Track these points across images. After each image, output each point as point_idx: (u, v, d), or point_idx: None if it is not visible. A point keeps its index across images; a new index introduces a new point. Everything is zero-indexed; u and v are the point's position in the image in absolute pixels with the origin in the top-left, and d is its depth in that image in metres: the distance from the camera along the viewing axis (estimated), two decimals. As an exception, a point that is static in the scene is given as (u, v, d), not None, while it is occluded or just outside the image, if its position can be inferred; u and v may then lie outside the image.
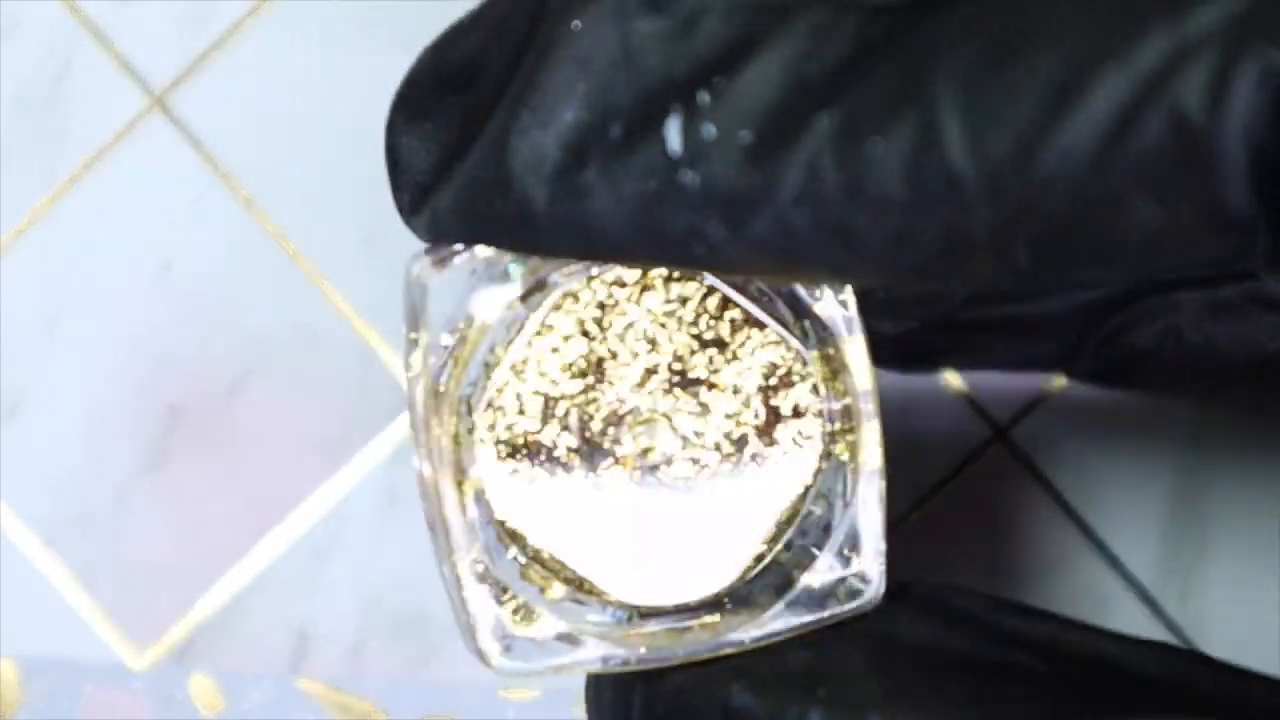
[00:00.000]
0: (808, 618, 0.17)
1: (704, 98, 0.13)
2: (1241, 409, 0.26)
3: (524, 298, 0.17)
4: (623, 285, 0.17)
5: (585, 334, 0.17)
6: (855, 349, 0.17)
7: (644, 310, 0.17)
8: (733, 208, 0.13)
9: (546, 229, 0.14)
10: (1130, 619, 0.29)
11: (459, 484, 0.17)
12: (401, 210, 0.16)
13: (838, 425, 0.17)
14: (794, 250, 0.14)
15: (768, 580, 0.17)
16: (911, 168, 0.13)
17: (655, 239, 0.14)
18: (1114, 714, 0.15)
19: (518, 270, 0.16)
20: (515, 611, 0.17)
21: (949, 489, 0.29)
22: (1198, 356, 0.21)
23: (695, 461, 0.17)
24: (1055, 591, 0.29)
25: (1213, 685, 0.17)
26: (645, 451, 0.17)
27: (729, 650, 0.17)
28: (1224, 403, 0.26)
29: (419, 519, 0.31)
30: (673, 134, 0.13)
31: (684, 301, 0.17)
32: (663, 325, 0.17)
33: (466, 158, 0.15)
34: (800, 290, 0.16)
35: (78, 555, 0.30)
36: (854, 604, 0.17)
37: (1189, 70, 0.11)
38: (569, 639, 0.17)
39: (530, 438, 0.17)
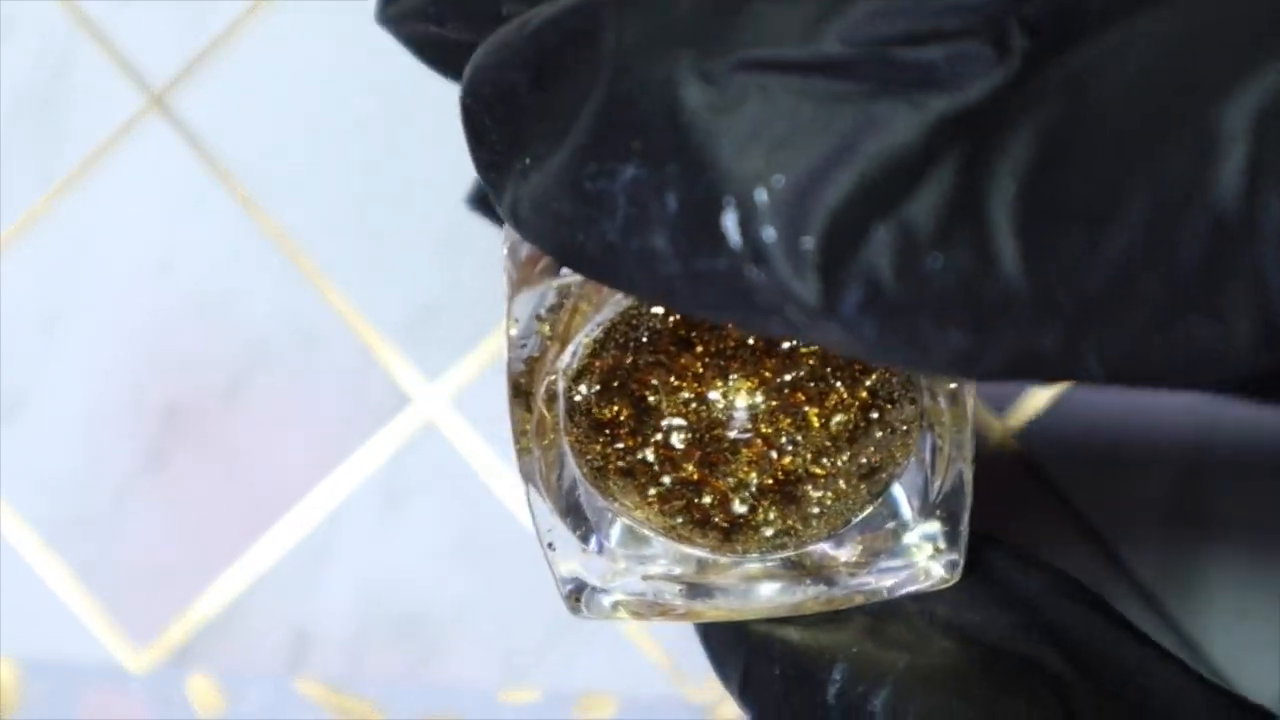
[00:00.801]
0: (883, 584, 0.17)
1: (761, 196, 0.13)
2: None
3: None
4: None
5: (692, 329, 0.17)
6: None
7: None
8: (802, 307, 0.13)
9: (630, 280, 0.14)
10: (1132, 619, 0.29)
11: (551, 439, 0.17)
12: (485, 178, 0.16)
13: (929, 417, 0.17)
14: (866, 351, 0.14)
15: (861, 557, 0.17)
16: (972, 286, 0.12)
17: (737, 311, 0.14)
18: None
19: None
20: (609, 568, 0.17)
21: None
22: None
23: (792, 442, 0.17)
24: (1056, 592, 0.29)
25: None
26: (735, 421, 0.17)
27: (815, 608, 0.17)
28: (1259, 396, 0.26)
29: (419, 519, 0.31)
30: (730, 228, 0.13)
31: None
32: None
33: (541, 163, 0.15)
34: None
35: (77, 555, 0.30)
36: (928, 583, 0.17)
37: (1222, 171, 0.11)
38: (642, 545, 0.17)
39: (623, 410, 0.17)
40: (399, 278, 0.30)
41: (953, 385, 0.17)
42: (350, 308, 0.30)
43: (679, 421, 0.17)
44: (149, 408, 0.30)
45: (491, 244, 0.30)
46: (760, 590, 0.18)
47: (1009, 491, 0.30)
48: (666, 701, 0.30)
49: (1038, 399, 0.29)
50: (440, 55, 0.17)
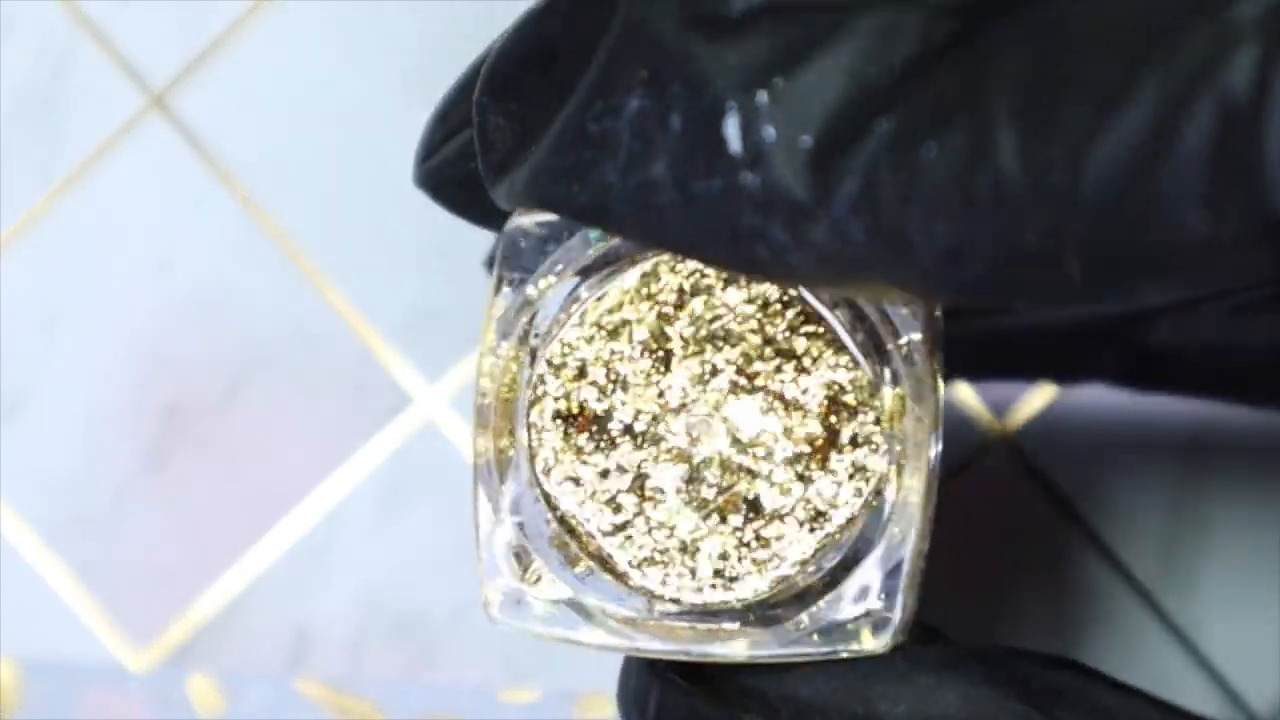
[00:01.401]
0: (824, 648, 0.17)
1: (763, 98, 0.13)
2: (1268, 405, 0.26)
3: (602, 266, 0.17)
4: (705, 274, 0.17)
5: (660, 315, 0.17)
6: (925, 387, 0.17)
7: (723, 303, 0.17)
8: (792, 214, 0.13)
9: (620, 218, 0.15)
10: (1130, 619, 0.29)
11: (509, 431, 0.17)
12: (488, 185, 0.16)
13: (895, 464, 0.17)
14: (850, 260, 0.14)
15: (794, 603, 0.17)
16: (963, 173, 0.12)
17: (722, 238, 0.14)
18: None
19: (597, 239, 0.17)
20: (529, 573, 0.17)
21: (950, 490, 0.29)
22: (1220, 356, 0.21)
23: (743, 468, 0.17)
24: (1055, 591, 0.29)
25: None
26: (693, 441, 0.17)
27: (740, 660, 0.17)
28: (1248, 400, 0.26)
29: (419, 519, 0.31)
30: (731, 133, 0.13)
31: (765, 304, 0.17)
32: (739, 322, 0.17)
33: (542, 139, 0.15)
34: (881, 327, 0.16)
35: (77, 555, 0.30)
36: (876, 643, 0.17)
37: (1233, 61, 0.11)
38: (579, 609, 0.17)
39: (585, 406, 0.17)
40: (399, 278, 0.30)
41: (921, 459, 0.17)
42: (350, 308, 0.30)
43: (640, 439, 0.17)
44: (149, 408, 0.30)
45: (491, 244, 0.30)
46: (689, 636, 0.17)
47: (1009, 492, 0.30)
48: (666, 701, 0.30)
49: (1038, 399, 0.29)
50: (479, 209, 0.18)
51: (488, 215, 0.17)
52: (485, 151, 0.16)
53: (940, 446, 0.17)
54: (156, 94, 0.30)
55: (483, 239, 0.31)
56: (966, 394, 0.30)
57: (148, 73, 0.30)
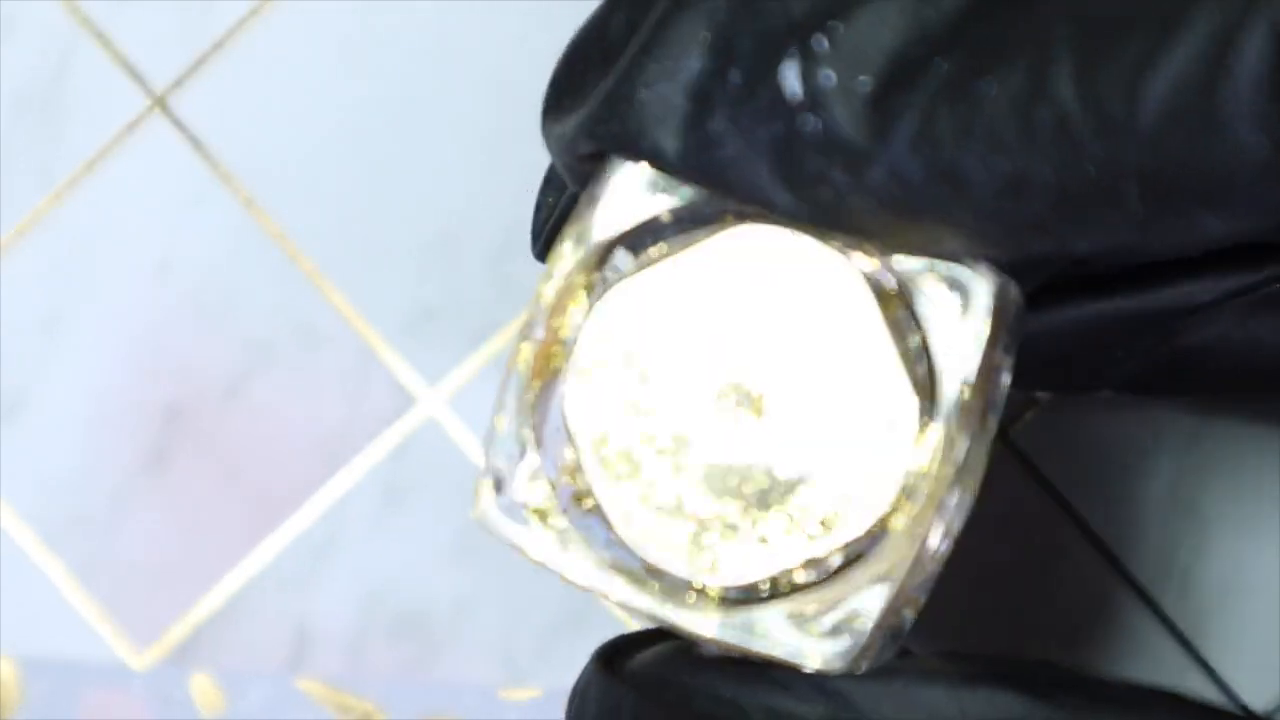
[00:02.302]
0: (792, 656, 0.17)
1: (821, 43, 0.13)
2: None
3: (689, 225, 0.17)
4: (782, 255, 0.16)
5: (731, 287, 0.17)
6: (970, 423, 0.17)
7: (792, 290, 0.17)
8: (853, 155, 0.13)
9: (682, 177, 0.15)
10: (1129, 618, 0.29)
11: (553, 351, 0.17)
12: (552, 152, 0.16)
13: (910, 500, 0.17)
14: (909, 200, 0.14)
15: (773, 602, 0.17)
16: (1022, 106, 0.13)
17: (786, 182, 0.14)
18: None
19: (687, 193, 0.16)
20: (532, 477, 0.17)
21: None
22: (1245, 354, 0.21)
23: (764, 460, 0.17)
24: (1054, 591, 0.29)
25: None
26: (727, 418, 0.17)
27: (707, 636, 0.17)
28: (1275, 395, 0.26)
29: (419, 518, 0.31)
30: (791, 79, 0.14)
31: (833, 303, 0.16)
32: (805, 313, 0.17)
33: (596, 111, 0.15)
34: (943, 357, 0.16)
35: (77, 555, 0.30)
36: (831, 661, 0.17)
37: None
38: (567, 541, 0.17)
39: (638, 355, 0.17)
40: (400, 278, 0.30)
41: (941, 503, 0.17)
42: (351, 308, 0.30)
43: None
44: (149, 408, 0.30)
45: (493, 244, 0.30)
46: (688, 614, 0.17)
47: (1009, 492, 0.30)
48: (666, 701, 0.30)
49: (1032, 398, 0.29)
50: None
51: None
52: (552, 144, 0.16)
53: (964, 509, 0.17)
54: (158, 95, 0.31)
55: (483, 239, 0.31)
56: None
57: (149, 74, 0.31)
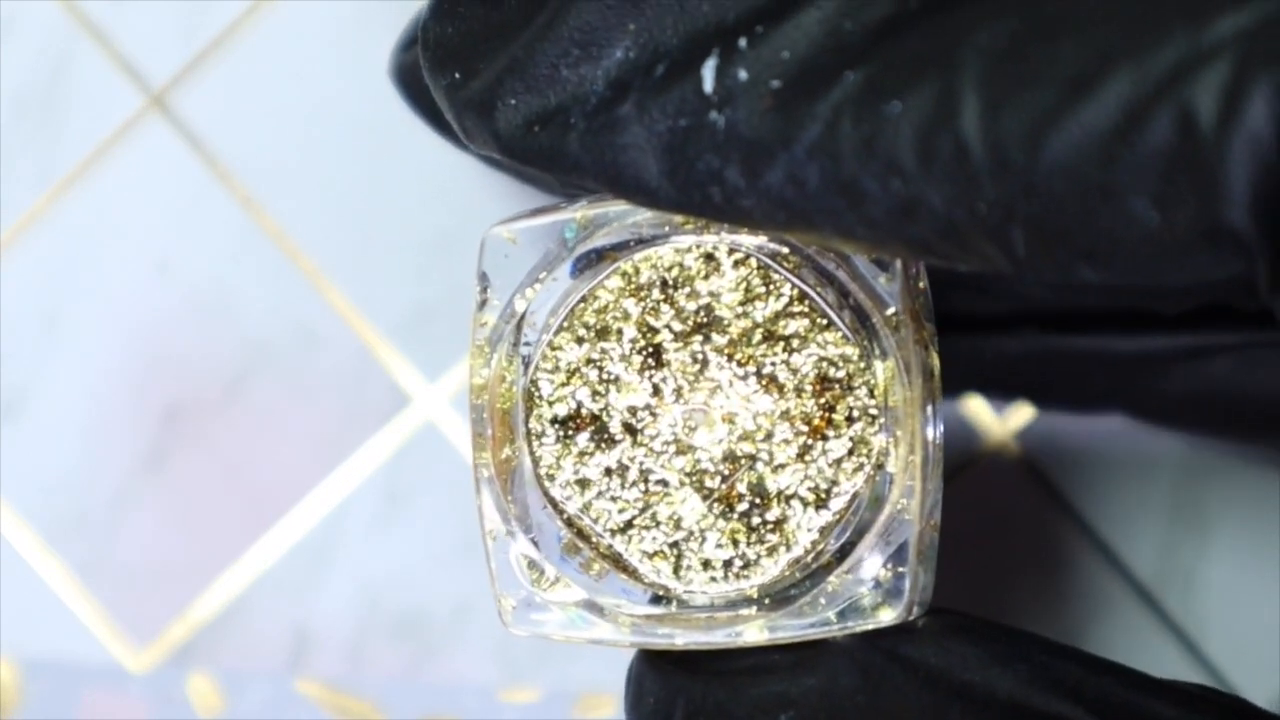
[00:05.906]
0: (840, 624, 0.17)
1: (743, 43, 0.14)
2: None
3: (585, 268, 0.17)
4: (686, 266, 0.17)
5: (646, 311, 0.17)
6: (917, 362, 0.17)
7: (707, 292, 0.17)
8: (751, 154, 0.14)
9: (578, 158, 0.15)
10: (1130, 619, 0.29)
11: (509, 441, 0.17)
12: (447, 110, 0.16)
13: (893, 437, 0.17)
14: (802, 206, 0.14)
15: (806, 583, 0.17)
16: (925, 134, 0.13)
17: (678, 178, 0.14)
18: None
19: (572, 237, 0.17)
20: (542, 579, 0.17)
21: (950, 490, 0.29)
22: (1233, 403, 0.22)
23: (744, 454, 0.17)
24: (1055, 591, 0.29)
25: None
26: (691, 432, 0.17)
27: (760, 643, 0.17)
28: (1264, 444, 0.26)
29: (419, 519, 0.31)
30: (708, 74, 0.14)
31: (748, 289, 0.17)
32: (724, 309, 0.17)
33: (504, 79, 0.15)
34: (866, 302, 0.17)
35: (77, 555, 0.30)
36: (891, 615, 0.17)
37: (1204, 75, 0.12)
38: (595, 609, 0.17)
39: (581, 407, 0.17)
40: (399, 278, 0.30)
41: (917, 429, 0.17)
42: (350, 308, 0.30)
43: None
44: (149, 408, 0.30)
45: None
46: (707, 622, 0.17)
47: (1009, 492, 0.30)
48: (666, 701, 0.30)
49: (1038, 399, 0.30)
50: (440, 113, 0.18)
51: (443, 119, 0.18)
52: (435, 71, 0.16)
53: (939, 415, 0.17)
54: (156, 94, 0.30)
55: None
56: (967, 394, 0.30)
57: (147, 73, 0.30)
